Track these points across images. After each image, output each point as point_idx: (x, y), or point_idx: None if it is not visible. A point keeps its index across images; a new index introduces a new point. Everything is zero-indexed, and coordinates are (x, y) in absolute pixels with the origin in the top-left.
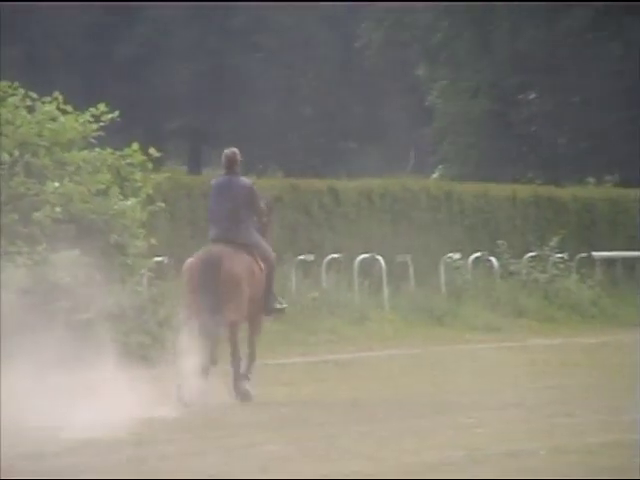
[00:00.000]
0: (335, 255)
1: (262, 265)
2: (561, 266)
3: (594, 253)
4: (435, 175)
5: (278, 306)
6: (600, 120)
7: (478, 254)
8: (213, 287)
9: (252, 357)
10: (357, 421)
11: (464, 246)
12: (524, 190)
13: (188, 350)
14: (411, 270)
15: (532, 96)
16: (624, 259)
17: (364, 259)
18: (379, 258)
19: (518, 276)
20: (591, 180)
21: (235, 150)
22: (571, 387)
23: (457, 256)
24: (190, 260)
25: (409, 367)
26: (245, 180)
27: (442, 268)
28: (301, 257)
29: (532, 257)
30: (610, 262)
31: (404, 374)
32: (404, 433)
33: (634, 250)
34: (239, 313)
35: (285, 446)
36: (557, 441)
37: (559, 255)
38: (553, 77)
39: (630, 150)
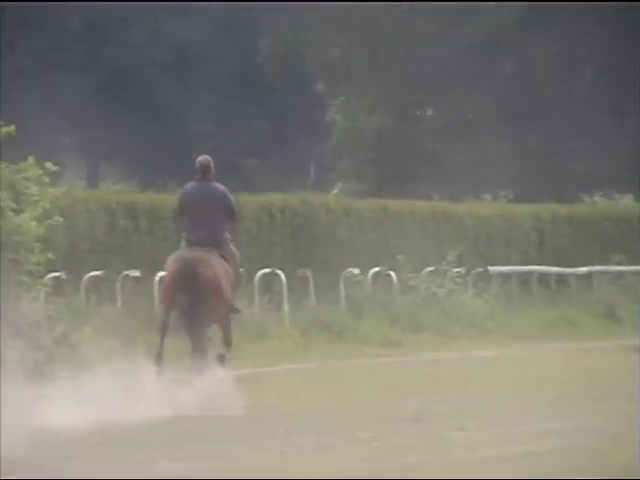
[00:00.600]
0: None
1: (232, 267)
2: (458, 280)
3: (490, 268)
4: (335, 191)
5: (238, 306)
6: (494, 137)
7: (377, 269)
8: (192, 291)
9: (229, 343)
10: (258, 436)
11: (364, 261)
12: (422, 206)
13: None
14: (311, 285)
15: (429, 112)
16: (519, 273)
17: (265, 274)
18: (279, 273)
19: (417, 291)
20: (487, 196)
21: (208, 157)
22: (467, 401)
23: (357, 271)
24: (171, 261)
25: (309, 382)
26: (219, 186)
27: (342, 283)
28: None
29: (430, 272)
30: (505, 277)
31: (304, 389)
32: (305, 448)
33: (528, 265)
34: (215, 314)
35: (183, 463)
36: (452, 454)
37: (456, 270)
38: (449, 94)
39: (523, 166)
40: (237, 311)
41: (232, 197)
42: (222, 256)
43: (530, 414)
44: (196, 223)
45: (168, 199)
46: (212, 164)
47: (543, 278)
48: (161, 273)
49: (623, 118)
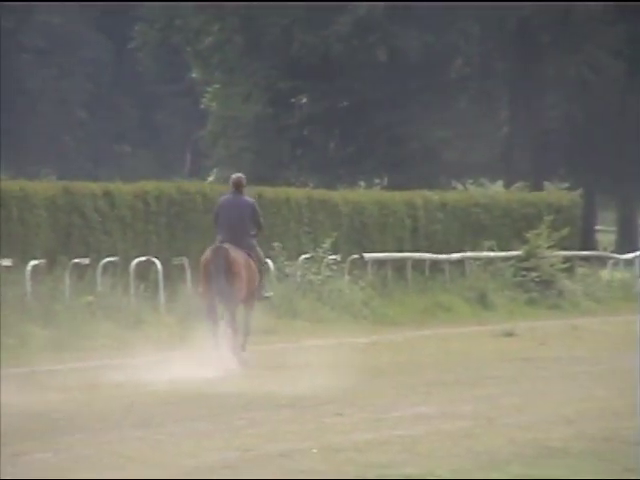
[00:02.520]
0: (111, 258)
1: (256, 263)
2: (334, 267)
3: (365, 255)
4: (211, 178)
5: (266, 294)
6: (368, 124)
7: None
8: (222, 270)
9: (247, 331)
10: (133, 426)
11: None
12: (298, 193)
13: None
14: (188, 273)
15: (304, 100)
16: (393, 260)
17: (140, 262)
18: (155, 261)
19: (293, 278)
20: (361, 183)
21: (241, 175)
22: (342, 386)
23: None
24: (205, 255)
25: (185, 370)
26: (249, 199)
27: None
28: (76, 260)
29: (306, 259)
30: (380, 263)
31: (180, 377)
32: (181, 436)
33: (403, 251)
34: (240, 293)
35: (56, 454)
36: (328, 440)
37: (332, 257)
38: (323, 82)
39: (397, 154)
40: (266, 298)
41: (258, 208)
42: (247, 252)
43: (403, 399)
44: (228, 228)
45: (41, 187)
46: (244, 181)
47: (417, 264)
48: (33, 262)
49: (493, 106)
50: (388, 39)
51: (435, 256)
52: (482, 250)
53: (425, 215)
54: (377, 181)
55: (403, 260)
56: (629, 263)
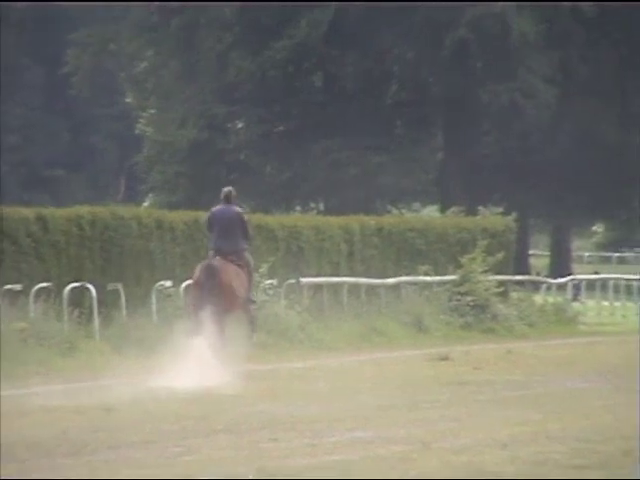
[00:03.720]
0: (44, 284)
1: (245, 269)
2: (270, 292)
3: (301, 279)
4: (146, 203)
5: (254, 298)
6: (304, 149)
7: (190, 281)
8: (214, 290)
9: (254, 327)
10: (64, 455)
11: (176, 274)
12: None
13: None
14: (123, 299)
15: (240, 125)
16: (330, 285)
17: (74, 288)
18: (89, 287)
19: None
20: (298, 208)
21: (231, 188)
22: (278, 411)
23: (169, 284)
24: (198, 267)
25: (120, 397)
26: (238, 209)
27: (154, 296)
28: (8, 287)
29: None
30: (317, 288)
31: (115, 404)
32: (115, 463)
33: (339, 276)
34: (232, 307)
35: None
36: (263, 465)
37: (268, 281)
38: (259, 107)
39: (333, 179)
40: (253, 302)
41: (247, 217)
42: (238, 263)
43: (340, 424)
44: (220, 237)
45: None
46: (234, 192)
47: (353, 289)
48: None
49: (428, 132)
50: (324, 64)
51: (371, 281)
52: (418, 275)
53: (361, 240)
54: (313, 205)
55: (339, 285)
56: (562, 287)
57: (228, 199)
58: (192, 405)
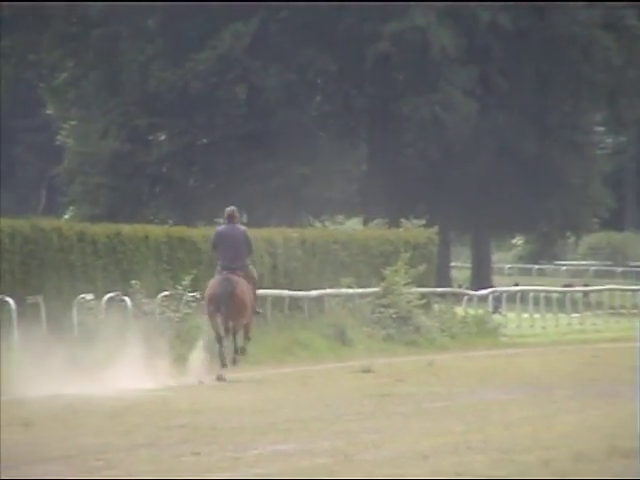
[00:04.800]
0: None
1: (251, 283)
2: (193, 305)
3: None
4: (67, 216)
5: (259, 310)
6: (228, 162)
7: (112, 294)
8: (229, 302)
9: (248, 337)
10: None
11: (98, 287)
12: (156, 230)
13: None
14: (43, 312)
15: (162, 137)
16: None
17: None
18: (9, 300)
19: (151, 316)
20: (220, 220)
21: (234, 208)
22: (199, 425)
23: (90, 297)
24: (212, 282)
25: (39, 412)
26: (242, 227)
27: (75, 309)
28: None
29: (165, 297)
30: None
31: (33, 420)
32: (37, 479)
33: (262, 289)
34: (243, 317)
35: None
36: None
37: (191, 294)
38: (182, 118)
39: (256, 191)
40: (258, 313)
41: (249, 235)
42: (244, 276)
43: (262, 437)
44: (226, 253)
45: None
46: (237, 213)
47: (276, 302)
48: None
49: (352, 144)
50: (248, 76)
51: (294, 293)
52: (341, 287)
53: (284, 252)
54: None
55: (262, 297)
56: (483, 299)
57: (232, 219)
58: (113, 419)
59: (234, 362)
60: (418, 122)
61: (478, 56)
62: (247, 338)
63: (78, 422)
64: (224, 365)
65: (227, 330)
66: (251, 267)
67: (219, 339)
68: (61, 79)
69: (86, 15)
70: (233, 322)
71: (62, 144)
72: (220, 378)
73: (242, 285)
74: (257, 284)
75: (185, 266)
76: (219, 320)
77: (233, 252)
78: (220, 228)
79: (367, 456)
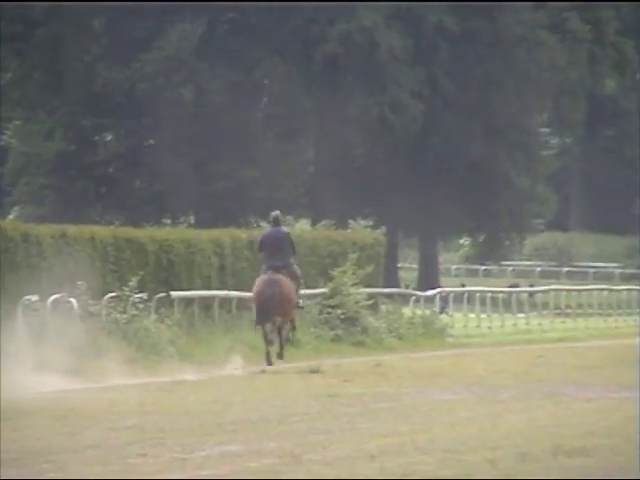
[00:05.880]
0: None
1: (294, 280)
2: (140, 306)
3: (172, 293)
4: (11, 216)
5: (301, 304)
6: (175, 163)
7: (57, 296)
8: (273, 299)
9: (293, 327)
10: None
11: (43, 288)
12: (103, 231)
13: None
14: None
15: (108, 138)
16: (201, 299)
17: None
18: None
19: (98, 317)
20: (167, 221)
21: (278, 212)
22: (147, 427)
23: (35, 298)
24: (258, 281)
25: None
26: (285, 229)
27: (20, 310)
28: None
29: (112, 298)
30: (188, 301)
31: None
32: None
33: (210, 290)
34: (288, 314)
35: None
36: None
37: (138, 295)
38: (128, 119)
39: (204, 192)
40: (300, 307)
41: (292, 237)
42: (288, 274)
43: (210, 438)
44: (271, 254)
45: None
46: (281, 216)
47: (224, 303)
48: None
49: (299, 145)
50: (195, 77)
51: (242, 294)
52: None
53: (232, 253)
54: (183, 219)
55: (210, 298)
56: (430, 300)
57: (277, 221)
58: (59, 421)
59: (280, 357)
60: (366, 123)
61: (425, 57)
62: (293, 328)
63: (24, 424)
64: (269, 362)
65: (273, 323)
66: (295, 266)
67: (266, 338)
68: (5, 79)
69: (30, 14)
70: (279, 318)
71: (7, 144)
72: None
73: (286, 283)
74: (299, 282)
75: (132, 267)
76: (266, 321)
77: (277, 252)
78: (266, 231)
79: (314, 456)
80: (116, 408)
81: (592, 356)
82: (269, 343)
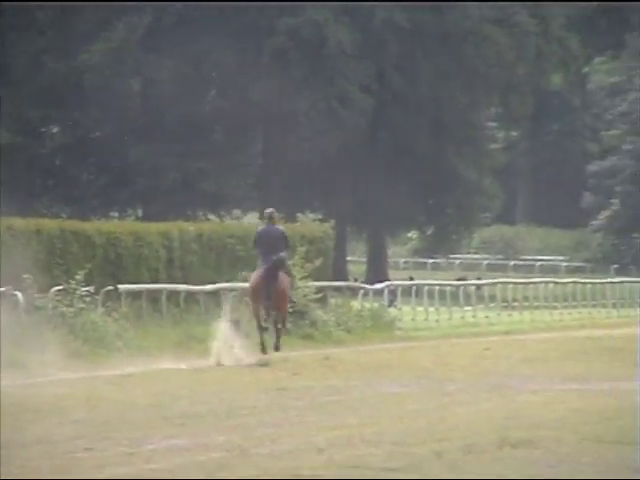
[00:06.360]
0: None
1: (288, 276)
2: (87, 299)
3: (120, 286)
4: None
5: (294, 299)
6: (123, 155)
7: (2, 289)
8: (271, 292)
9: (285, 322)
10: None
11: None
12: (49, 224)
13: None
14: None
15: (55, 130)
16: (148, 292)
17: None
18: None
19: (44, 311)
20: (115, 214)
21: (273, 210)
22: (94, 420)
23: None
24: (254, 275)
25: None
26: (280, 227)
27: None
28: None
29: (58, 291)
30: (135, 295)
31: None
32: None
33: (158, 283)
34: (283, 308)
35: None
36: (79, 476)
37: (85, 289)
38: (75, 111)
39: (152, 185)
40: (293, 302)
41: (287, 233)
42: (283, 270)
43: (157, 432)
44: (266, 251)
45: None
46: (275, 214)
47: (172, 296)
48: None
49: (248, 138)
50: (142, 69)
51: (190, 287)
52: (237, 281)
53: (180, 246)
54: (131, 212)
55: (158, 291)
56: (378, 293)
57: (270, 219)
58: (4, 416)
59: (277, 349)
60: (314, 117)
61: (374, 52)
62: (284, 322)
63: None
64: (264, 352)
65: (268, 316)
66: (287, 261)
67: (260, 327)
68: None
69: None
70: (275, 311)
71: None
72: (262, 363)
73: (282, 278)
74: (292, 278)
75: (79, 260)
76: (261, 310)
77: (272, 249)
78: (260, 228)
79: (263, 450)
80: (62, 402)
81: (538, 349)
82: (263, 330)
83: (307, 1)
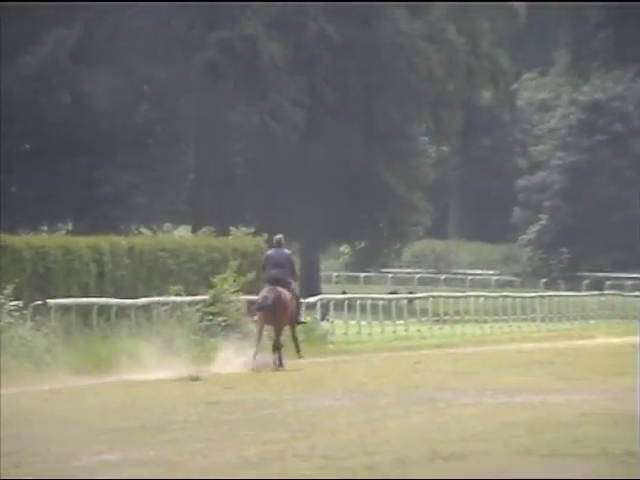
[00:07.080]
0: None
1: (294, 298)
2: (16, 314)
3: (49, 300)
4: None
5: (302, 320)
6: (51, 168)
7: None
8: (274, 307)
9: (296, 340)
10: None
11: None
12: None
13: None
14: None
15: None
16: (79, 306)
17: None
18: None
19: None
20: (45, 228)
21: (281, 236)
22: (21, 437)
23: None
24: (260, 293)
25: None
26: (287, 251)
27: None
28: None
29: None
30: (65, 309)
31: None
32: None
33: (88, 297)
34: (280, 323)
35: None
36: None
37: (13, 303)
38: (3, 124)
39: (83, 198)
40: (302, 323)
41: (294, 258)
42: (288, 290)
43: (87, 448)
44: (273, 273)
45: None
46: (283, 240)
47: (103, 310)
48: None
49: (180, 152)
50: (72, 82)
51: (121, 301)
52: (169, 295)
53: (112, 260)
54: (61, 225)
55: (88, 306)
56: (311, 307)
57: (278, 244)
58: None
59: (280, 364)
60: (247, 131)
61: (306, 66)
62: (295, 341)
63: None
64: (254, 358)
65: (268, 324)
66: (294, 285)
67: (258, 339)
68: None
69: None
70: (275, 324)
71: None
72: (255, 369)
73: (285, 294)
74: (299, 301)
75: (7, 274)
76: (262, 323)
77: (278, 271)
78: (269, 252)
79: (194, 465)
80: None
81: (469, 362)
82: (258, 342)
83: (307, 1)
